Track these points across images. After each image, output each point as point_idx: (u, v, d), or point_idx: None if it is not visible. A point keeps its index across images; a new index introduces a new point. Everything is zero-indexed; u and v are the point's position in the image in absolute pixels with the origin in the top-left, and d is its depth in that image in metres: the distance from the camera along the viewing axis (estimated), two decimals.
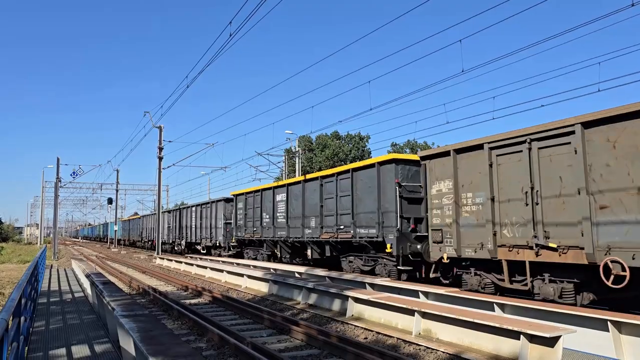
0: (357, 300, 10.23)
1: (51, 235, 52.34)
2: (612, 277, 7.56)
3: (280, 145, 67.23)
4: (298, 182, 18.59)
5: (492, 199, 9.72)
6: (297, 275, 15.67)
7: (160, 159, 34.61)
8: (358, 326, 9.37)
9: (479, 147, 10.09)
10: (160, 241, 35.07)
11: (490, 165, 9.83)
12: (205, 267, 20.93)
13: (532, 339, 6.50)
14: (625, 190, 7.54)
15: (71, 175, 44.08)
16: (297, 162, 39.68)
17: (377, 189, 13.74)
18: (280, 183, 20.62)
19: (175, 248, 37.22)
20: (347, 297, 10.45)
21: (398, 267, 13.12)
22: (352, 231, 14.79)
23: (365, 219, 14.33)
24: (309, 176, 18.25)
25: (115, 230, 56.42)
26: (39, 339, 7.70)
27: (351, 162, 54.22)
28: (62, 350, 6.94)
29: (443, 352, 7.33)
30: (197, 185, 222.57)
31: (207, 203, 30.39)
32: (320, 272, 15.26)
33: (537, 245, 8.81)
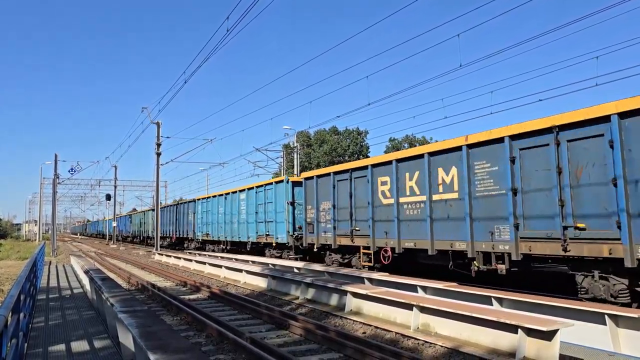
0: (356, 295, 10.24)
1: (50, 232, 52.27)
2: None
3: (279, 140, 67.05)
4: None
5: None
6: (295, 270, 15.70)
7: (159, 155, 34.56)
8: (357, 321, 9.40)
9: None
10: (158, 236, 35.03)
11: None
12: (204, 263, 20.94)
13: (530, 332, 6.52)
14: None
15: (69, 171, 44.03)
16: (295, 157, 39.67)
17: None
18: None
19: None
20: (345, 291, 10.46)
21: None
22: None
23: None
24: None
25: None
26: (39, 335, 7.73)
27: (349, 157, 54.19)
28: (62, 346, 6.96)
29: (441, 346, 7.36)
30: (196, 182, 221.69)
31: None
32: (318, 267, 15.29)
33: None
